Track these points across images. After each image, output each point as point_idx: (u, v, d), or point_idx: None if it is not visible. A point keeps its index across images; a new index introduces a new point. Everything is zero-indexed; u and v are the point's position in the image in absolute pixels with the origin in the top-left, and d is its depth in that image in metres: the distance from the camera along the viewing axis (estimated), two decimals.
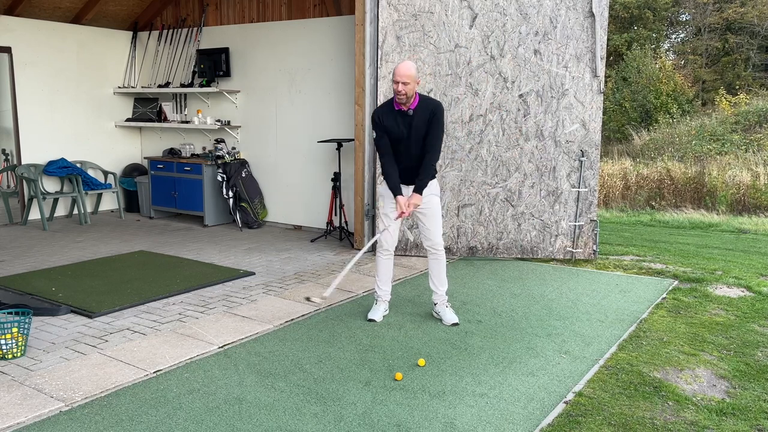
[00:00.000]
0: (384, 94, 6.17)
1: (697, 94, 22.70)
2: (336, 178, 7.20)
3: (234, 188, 7.98)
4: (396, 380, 3.58)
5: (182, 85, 8.63)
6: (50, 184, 8.50)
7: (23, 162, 8.23)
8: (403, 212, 4.35)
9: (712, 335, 4.34)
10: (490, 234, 6.37)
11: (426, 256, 4.70)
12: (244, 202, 8.00)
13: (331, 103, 7.50)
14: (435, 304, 4.63)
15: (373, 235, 6.59)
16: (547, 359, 3.90)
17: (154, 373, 3.65)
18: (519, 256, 6.43)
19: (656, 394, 3.43)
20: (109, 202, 9.32)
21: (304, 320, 4.58)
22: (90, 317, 4.61)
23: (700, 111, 20.68)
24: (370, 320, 4.55)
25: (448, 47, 6.13)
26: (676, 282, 5.68)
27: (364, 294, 5.20)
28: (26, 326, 3.90)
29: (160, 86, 8.88)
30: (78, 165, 8.67)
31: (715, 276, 5.83)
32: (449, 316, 4.54)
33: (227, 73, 8.29)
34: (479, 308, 4.88)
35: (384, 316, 4.64)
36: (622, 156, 17.32)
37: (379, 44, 6.15)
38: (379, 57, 6.17)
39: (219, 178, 8.02)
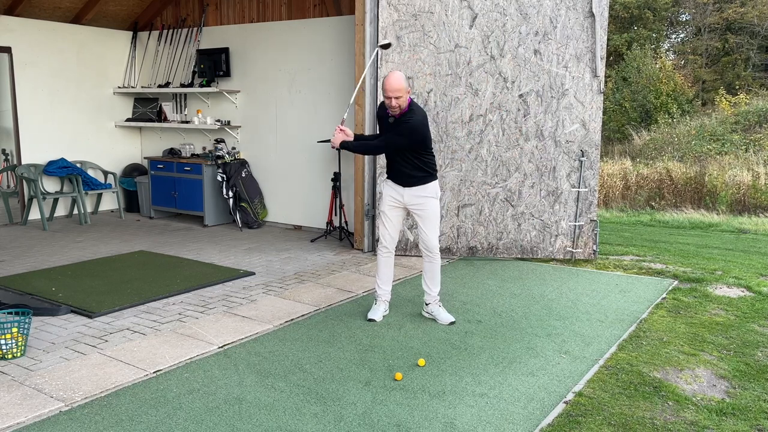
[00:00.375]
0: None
1: (697, 94, 22.71)
2: (336, 178, 7.20)
3: (234, 188, 7.98)
4: (396, 380, 3.58)
5: (182, 85, 8.63)
6: (50, 184, 8.50)
7: (23, 162, 8.23)
8: (336, 133, 4.45)
9: (712, 335, 4.34)
10: (490, 234, 6.38)
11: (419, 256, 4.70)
12: (244, 202, 8.00)
13: (331, 103, 7.50)
14: (427, 304, 4.64)
15: (374, 235, 6.59)
16: (547, 359, 3.90)
17: (154, 373, 3.65)
18: (519, 256, 6.43)
19: (656, 394, 3.43)
20: (109, 202, 9.32)
21: (304, 320, 4.58)
22: (90, 317, 4.61)
23: (700, 111, 20.68)
24: (370, 320, 4.56)
25: (448, 47, 6.13)
26: (676, 282, 5.68)
27: (364, 294, 5.20)
28: (26, 326, 3.90)
29: (160, 86, 8.88)
30: (78, 165, 8.67)
31: (715, 276, 5.83)
32: (444, 316, 4.55)
33: (227, 73, 8.29)
34: (479, 308, 4.88)
35: (384, 316, 4.64)
36: (622, 156, 17.31)
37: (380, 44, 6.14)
38: (379, 57, 6.17)
39: (219, 178, 8.02)
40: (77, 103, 8.78)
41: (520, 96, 6.17)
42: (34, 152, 8.34)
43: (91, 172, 8.90)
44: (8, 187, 9.05)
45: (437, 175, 4.58)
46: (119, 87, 9.19)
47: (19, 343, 3.86)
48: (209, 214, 8.14)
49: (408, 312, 4.78)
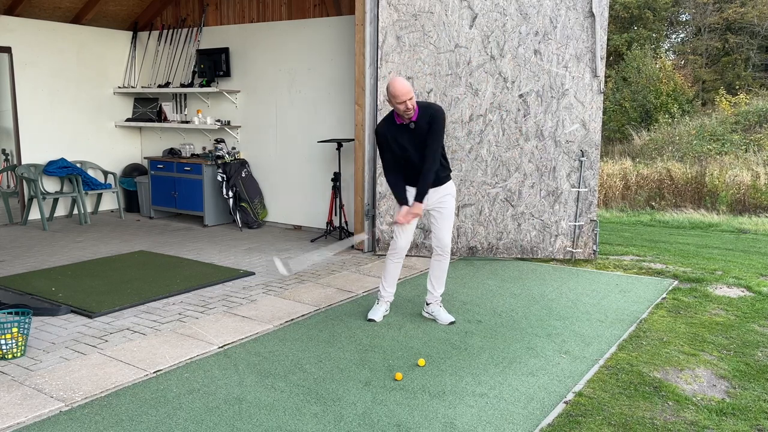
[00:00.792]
0: (384, 94, 6.17)
1: (697, 94, 22.71)
2: (336, 178, 7.20)
3: (234, 188, 7.98)
4: (396, 380, 3.58)
5: (182, 85, 8.63)
6: (50, 184, 8.51)
7: (23, 162, 8.23)
8: (398, 221, 4.36)
9: (712, 335, 4.34)
10: (490, 234, 6.38)
11: (426, 256, 4.70)
12: (244, 202, 8.00)
13: (331, 103, 7.50)
14: (428, 304, 4.63)
15: (374, 235, 6.59)
16: (547, 359, 3.90)
17: (154, 373, 3.65)
18: (519, 256, 6.43)
19: (656, 394, 3.43)
20: (109, 202, 9.32)
21: (304, 320, 4.58)
22: (90, 317, 4.61)
23: (700, 111, 20.68)
24: (370, 320, 4.56)
25: (448, 47, 6.13)
26: (676, 282, 5.68)
27: (364, 294, 5.20)
28: (26, 326, 3.90)
29: (160, 86, 8.88)
30: (78, 165, 8.67)
31: (715, 276, 5.83)
32: (445, 316, 4.54)
33: (227, 73, 8.29)
34: (479, 308, 4.88)
35: (384, 316, 4.64)
36: (622, 156, 17.32)
37: (379, 44, 6.15)
38: (379, 57, 6.18)
39: (219, 178, 8.02)
40: (77, 103, 8.78)
41: (520, 96, 6.17)
42: (34, 152, 8.34)
43: (91, 172, 8.90)
44: (8, 187, 9.05)
45: (451, 175, 4.57)
46: (119, 87, 9.19)
47: (19, 343, 3.86)
48: (209, 214, 8.14)
49: (408, 312, 4.78)
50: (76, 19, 8.72)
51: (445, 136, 6.17)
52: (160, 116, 9.07)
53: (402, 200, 4.38)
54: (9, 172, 8.82)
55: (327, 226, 7.36)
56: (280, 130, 8.04)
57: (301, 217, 8.00)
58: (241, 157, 8.36)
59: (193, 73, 8.59)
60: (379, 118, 6.20)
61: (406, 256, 6.37)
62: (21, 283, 5.44)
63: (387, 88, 4.17)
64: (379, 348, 4.07)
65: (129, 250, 6.76)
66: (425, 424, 3.09)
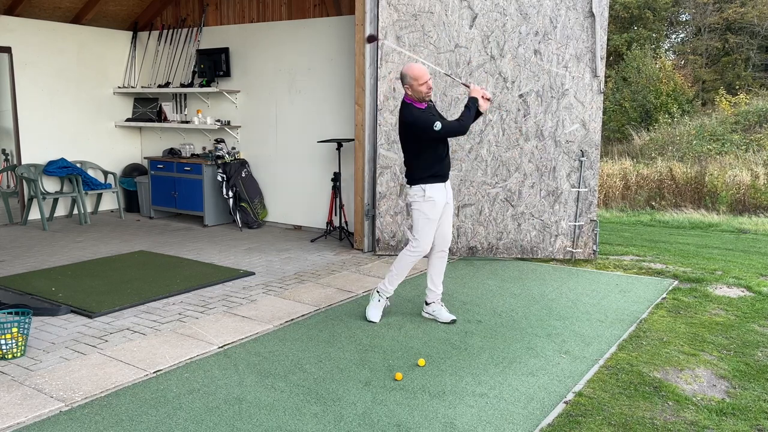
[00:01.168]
0: (384, 94, 6.18)
1: (697, 94, 22.71)
2: (336, 178, 7.20)
3: (234, 188, 7.98)
4: (396, 380, 3.58)
5: (182, 85, 8.63)
6: (50, 184, 8.50)
7: (23, 162, 8.23)
8: (484, 95, 4.29)
9: (712, 335, 4.34)
10: (490, 234, 6.37)
11: (426, 256, 4.69)
12: (244, 202, 8.00)
13: (331, 103, 7.50)
14: (428, 304, 4.63)
15: (374, 235, 6.59)
16: (547, 359, 3.90)
17: (154, 373, 3.65)
18: (519, 256, 6.43)
19: (656, 394, 3.43)
20: (109, 202, 9.32)
21: (304, 320, 4.58)
22: (90, 317, 4.61)
23: (700, 111, 20.68)
24: (370, 321, 4.55)
25: (448, 47, 6.13)
26: (676, 282, 5.68)
27: (364, 294, 5.20)
28: (26, 326, 3.90)
29: (160, 86, 8.88)
30: (78, 165, 8.67)
31: (715, 276, 5.83)
32: (445, 315, 4.55)
33: (227, 73, 8.29)
34: (479, 308, 4.88)
35: (382, 316, 4.63)
36: (622, 156, 17.32)
37: (379, 44, 6.14)
38: (379, 57, 6.17)
39: (219, 178, 8.02)
40: (77, 103, 8.78)
41: (520, 96, 6.17)
42: (34, 152, 8.34)
43: (91, 172, 8.90)
44: (8, 187, 9.05)
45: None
46: (119, 87, 9.19)
47: (19, 343, 3.86)
48: (209, 214, 8.14)
49: (408, 312, 4.78)
50: (76, 19, 8.72)
51: None
52: (160, 116, 9.07)
53: (474, 109, 4.27)
54: (9, 172, 8.81)
55: (327, 226, 7.36)
56: (280, 130, 8.04)
57: (301, 217, 8.00)
58: (241, 157, 8.36)
59: (193, 73, 8.59)
60: (380, 118, 6.20)
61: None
62: (21, 283, 5.44)
63: (407, 74, 4.21)
64: (379, 348, 4.07)
65: (129, 250, 6.76)
66: (425, 424, 3.09)
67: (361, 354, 3.97)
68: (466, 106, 4.28)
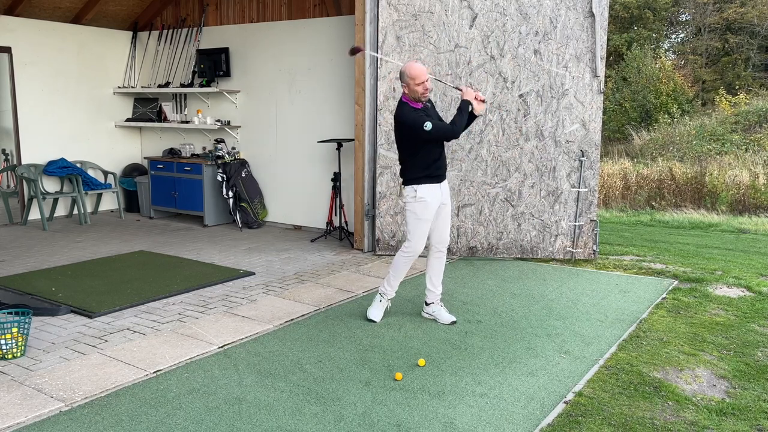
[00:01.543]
0: (384, 94, 6.18)
1: (697, 94, 22.71)
2: (336, 178, 7.20)
3: (234, 188, 7.98)
4: (396, 380, 3.58)
5: (182, 85, 8.63)
6: (50, 184, 8.50)
7: (23, 162, 8.23)
8: (477, 97, 4.30)
9: (712, 335, 4.34)
10: (490, 234, 6.37)
11: (425, 256, 4.69)
12: (244, 202, 8.00)
13: (331, 103, 7.50)
14: (428, 304, 4.62)
15: (374, 235, 6.59)
16: (547, 359, 3.90)
17: (154, 373, 3.65)
18: (519, 256, 6.43)
19: (656, 394, 3.43)
20: (109, 202, 9.32)
21: (304, 320, 4.58)
22: (90, 317, 4.61)
23: (700, 111, 20.68)
24: (370, 320, 4.56)
25: (448, 47, 6.13)
26: (676, 282, 5.68)
27: (364, 294, 5.20)
28: (26, 326, 3.90)
29: (160, 86, 8.88)
30: (78, 165, 8.67)
31: (715, 276, 5.83)
32: (446, 316, 4.55)
33: (227, 73, 8.29)
34: (479, 308, 4.88)
35: (383, 316, 4.63)
36: (622, 156, 17.32)
37: (379, 44, 6.14)
38: (379, 57, 6.17)
39: (219, 178, 8.02)
40: (77, 103, 8.78)
41: (520, 96, 6.17)
42: (34, 152, 8.34)
43: (91, 172, 8.90)
44: (8, 187, 9.05)
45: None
46: (119, 87, 9.19)
47: (19, 343, 3.86)
48: (209, 214, 8.14)
49: (408, 312, 4.78)
50: (76, 19, 8.72)
51: None
52: (160, 116, 9.07)
53: (466, 111, 4.27)
54: (9, 172, 8.81)
55: (327, 226, 7.36)
56: (280, 130, 8.04)
57: (301, 217, 8.00)
58: (241, 157, 8.36)
59: (193, 73, 8.59)
60: (380, 118, 6.20)
61: None
62: (21, 283, 5.44)
63: (405, 73, 4.21)
64: (379, 348, 4.07)
65: (129, 250, 6.76)
66: (425, 424, 3.09)
67: (361, 354, 3.97)
68: (458, 109, 4.27)
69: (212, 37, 8.50)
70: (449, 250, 6.34)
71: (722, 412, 3.24)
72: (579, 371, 3.72)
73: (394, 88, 6.17)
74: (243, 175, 8.09)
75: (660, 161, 15.18)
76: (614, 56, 23.94)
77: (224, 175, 7.99)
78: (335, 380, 3.58)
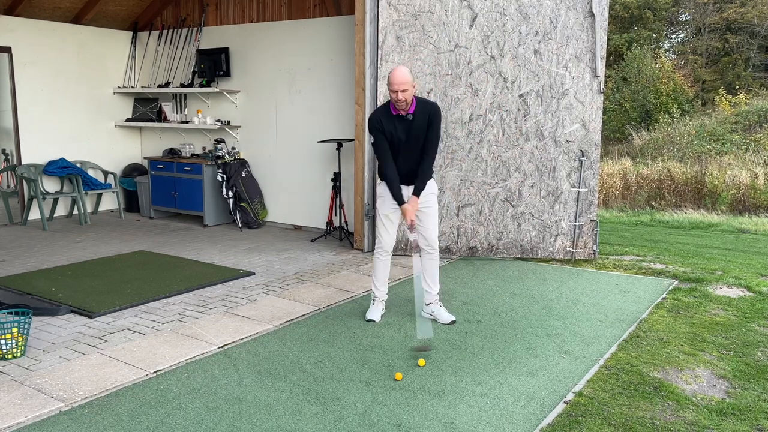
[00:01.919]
0: (384, 94, 6.18)
1: (697, 94, 22.71)
2: (336, 178, 7.20)
3: (234, 188, 7.98)
4: (396, 380, 3.58)
5: (182, 85, 8.63)
6: (50, 184, 8.51)
7: (23, 162, 8.23)
8: (412, 221, 4.34)
9: (712, 335, 4.34)
10: (490, 234, 6.37)
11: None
12: (244, 202, 8.00)
13: (331, 103, 7.50)
14: (427, 304, 4.62)
15: (374, 235, 6.59)
16: (547, 359, 3.90)
17: (154, 373, 3.65)
18: (519, 256, 6.43)
19: (656, 394, 3.43)
20: (109, 202, 9.32)
21: (304, 320, 4.58)
22: (90, 317, 4.61)
23: (700, 111, 20.68)
24: (370, 320, 4.56)
25: (448, 47, 6.13)
26: (676, 282, 5.68)
27: (364, 294, 5.20)
28: (26, 326, 3.90)
29: (160, 86, 8.88)
30: (78, 165, 8.67)
31: (715, 276, 5.83)
32: (445, 316, 4.54)
33: (227, 73, 8.29)
34: (479, 308, 4.88)
35: (382, 316, 4.64)
36: (622, 156, 17.32)
37: (379, 44, 6.15)
38: (379, 57, 6.17)
39: (219, 178, 8.02)
40: (77, 103, 8.78)
41: (520, 96, 6.17)
42: (34, 152, 8.34)
43: (91, 172, 8.90)
44: (8, 187, 9.05)
45: (434, 174, 4.57)
46: (119, 87, 9.20)
47: (19, 343, 3.86)
48: (209, 214, 8.14)
49: (408, 312, 4.78)
50: (76, 19, 8.72)
51: (444, 137, 6.20)
52: (160, 116, 9.07)
53: (399, 198, 4.37)
54: (9, 172, 8.82)
55: (327, 226, 7.36)
56: (280, 130, 8.04)
57: (301, 217, 8.00)
58: (241, 157, 8.36)
59: (193, 73, 8.59)
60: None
61: (407, 255, 6.38)
62: (21, 283, 5.44)
63: (388, 74, 4.22)
64: (379, 348, 4.07)
65: (129, 250, 6.76)
66: (425, 424, 3.09)
67: (361, 354, 3.97)
68: (397, 189, 4.34)
69: (212, 37, 8.50)
70: (449, 250, 6.34)
71: (722, 412, 3.24)
72: (579, 371, 3.72)
73: None
74: (243, 175, 8.09)
75: (660, 161, 15.18)
76: (614, 56, 23.94)
77: (224, 175, 7.99)
78: (335, 380, 3.58)
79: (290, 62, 7.79)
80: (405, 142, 4.32)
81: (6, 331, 3.80)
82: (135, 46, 9.33)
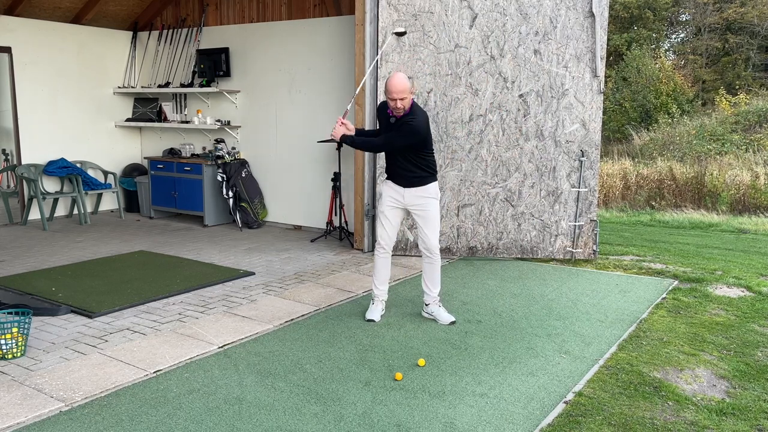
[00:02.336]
0: (384, 94, 6.17)
1: (697, 94, 22.71)
2: (336, 178, 7.20)
3: (234, 188, 7.98)
4: (396, 380, 3.58)
5: (182, 85, 8.63)
6: (50, 184, 8.50)
7: (23, 162, 8.23)
8: (335, 129, 4.46)
9: (712, 335, 4.34)
10: (490, 234, 6.37)
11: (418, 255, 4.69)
12: (244, 202, 8.00)
13: (331, 103, 7.50)
14: (427, 305, 4.63)
15: (374, 235, 6.59)
16: (547, 359, 3.90)
17: (154, 373, 3.65)
18: (519, 256, 6.43)
19: (656, 394, 3.43)
20: (109, 202, 9.32)
21: (304, 320, 4.58)
22: (90, 317, 4.61)
23: (700, 111, 20.68)
24: (369, 320, 4.56)
25: (448, 47, 6.13)
26: (676, 282, 5.68)
27: (364, 294, 5.20)
28: (26, 326, 3.90)
29: (160, 86, 8.88)
30: (78, 165, 8.67)
31: (715, 276, 5.83)
32: (445, 316, 4.54)
33: (227, 73, 8.29)
34: (479, 308, 4.88)
35: (382, 316, 4.64)
36: (622, 156, 17.31)
37: (379, 44, 6.15)
38: (379, 57, 6.17)
39: (219, 178, 8.02)
40: (77, 103, 8.78)
41: (520, 96, 6.17)
42: (34, 152, 8.34)
43: (91, 172, 8.90)
44: (8, 187, 9.05)
45: (437, 175, 4.56)
46: (119, 87, 9.19)
47: (19, 343, 3.86)
48: (209, 214, 8.14)
49: (408, 312, 4.78)
50: (76, 19, 8.72)
51: (444, 137, 6.20)
52: (160, 116, 9.07)
53: (352, 141, 4.47)
54: (9, 172, 8.81)
55: (327, 226, 7.36)
56: (280, 130, 8.04)
57: (301, 217, 8.00)
58: (241, 157, 8.36)
59: (193, 73, 8.59)
60: None
61: (407, 255, 6.38)
62: (21, 283, 5.44)
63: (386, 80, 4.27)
64: (379, 348, 4.07)
65: (129, 250, 6.76)
66: (425, 424, 3.09)
67: (361, 354, 3.97)
68: (353, 144, 4.49)
69: (212, 37, 8.50)
70: (449, 250, 6.34)
71: (722, 412, 3.24)
72: (579, 371, 3.72)
73: None
74: (243, 175, 8.09)
75: (660, 161, 15.17)
76: (614, 56, 23.94)
77: (224, 175, 7.99)
78: (335, 380, 3.58)
79: (290, 62, 7.79)
80: None
81: (6, 331, 3.80)
82: (135, 46, 9.33)
